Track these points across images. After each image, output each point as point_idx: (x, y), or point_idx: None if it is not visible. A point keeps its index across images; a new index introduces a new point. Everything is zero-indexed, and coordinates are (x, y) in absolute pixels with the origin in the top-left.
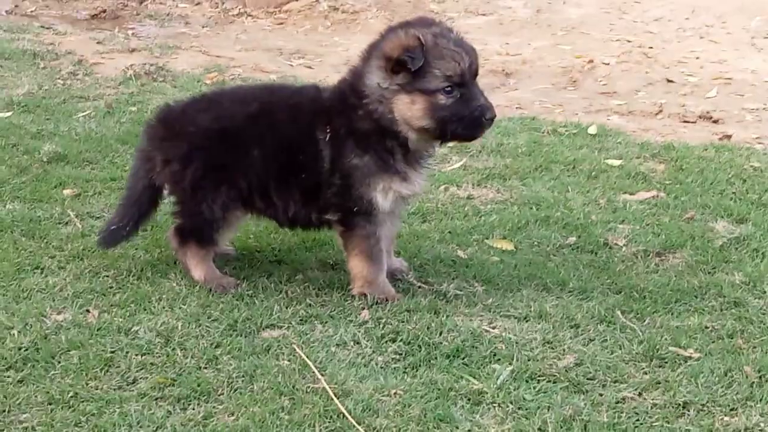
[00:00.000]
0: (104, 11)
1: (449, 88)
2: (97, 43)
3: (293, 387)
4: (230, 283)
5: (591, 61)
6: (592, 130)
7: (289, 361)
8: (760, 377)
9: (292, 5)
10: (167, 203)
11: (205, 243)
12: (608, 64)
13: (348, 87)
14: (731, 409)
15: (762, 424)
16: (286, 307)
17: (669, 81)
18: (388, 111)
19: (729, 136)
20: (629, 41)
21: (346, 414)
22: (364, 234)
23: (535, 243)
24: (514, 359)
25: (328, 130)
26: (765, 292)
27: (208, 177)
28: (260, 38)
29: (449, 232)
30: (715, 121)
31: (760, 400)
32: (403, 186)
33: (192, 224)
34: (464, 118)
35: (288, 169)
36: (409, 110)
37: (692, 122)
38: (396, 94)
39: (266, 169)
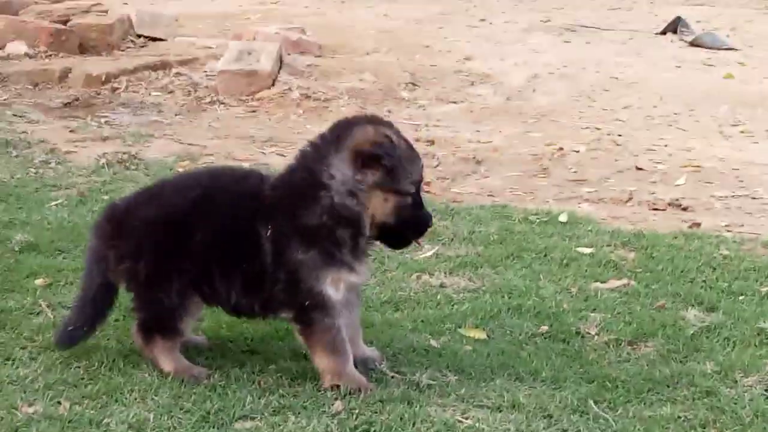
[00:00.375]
0: (77, 99)
1: (413, 191)
2: (70, 131)
3: None
4: (202, 373)
5: (561, 149)
6: (562, 218)
7: None
8: None
9: (264, 93)
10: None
11: (169, 334)
12: (578, 151)
13: (301, 179)
14: None
15: None
16: (259, 398)
17: (638, 169)
18: (357, 205)
19: (698, 224)
20: (599, 129)
21: None
22: (324, 328)
23: (508, 332)
24: None
25: (269, 228)
26: (736, 381)
27: (160, 267)
28: (233, 126)
29: (422, 321)
30: (685, 209)
31: None
32: (352, 275)
33: (153, 317)
34: (419, 222)
35: (229, 257)
36: (381, 207)
37: (662, 210)
38: (372, 190)
39: (208, 256)
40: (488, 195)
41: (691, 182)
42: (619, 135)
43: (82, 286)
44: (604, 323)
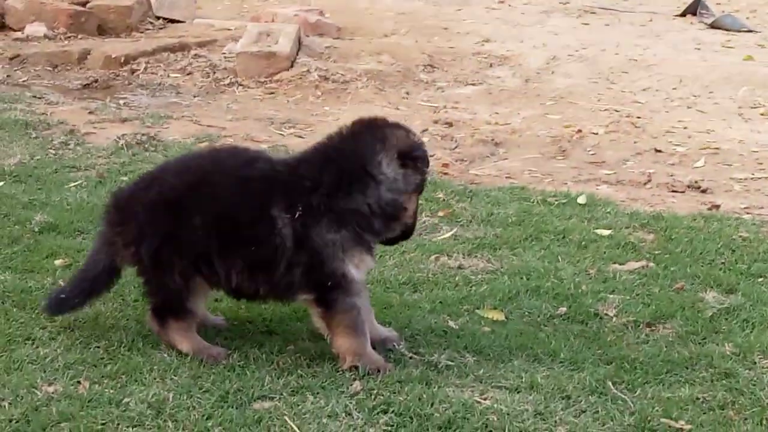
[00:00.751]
0: (96, 81)
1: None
2: (89, 113)
3: None
4: (220, 353)
5: (580, 131)
6: (581, 199)
7: None
8: None
9: (283, 75)
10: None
11: (181, 315)
12: (597, 133)
13: (346, 167)
14: None
15: None
16: (278, 378)
17: (657, 151)
18: (399, 203)
19: (717, 206)
20: (617, 111)
21: None
22: (345, 308)
23: (526, 313)
24: (506, 431)
25: (299, 209)
26: (755, 363)
27: (160, 251)
28: (251, 108)
29: (440, 302)
30: (704, 191)
31: None
32: (371, 259)
33: (163, 300)
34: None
35: (231, 240)
36: (411, 208)
37: (681, 192)
38: (412, 192)
39: (208, 239)
40: (506, 177)
41: (710, 164)
42: (638, 117)
43: (86, 262)
44: (622, 305)
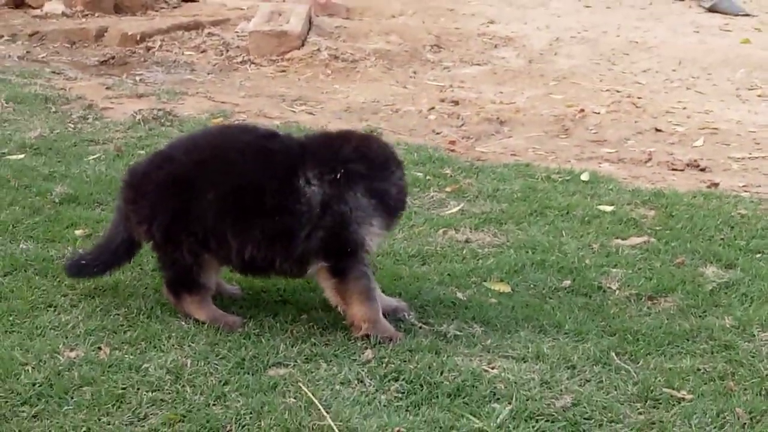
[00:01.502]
0: (113, 58)
1: None
2: (107, 88)
3: (299, 424)
4: (236, 322)
5: (582, 111)
6: (584, 176)
7: (295, 398)
8: (751, 419)
9: (294, 54)
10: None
11: (195, 289)
12: (599, 113)
13: (376, 150)
14: None
15: None
16: (292, 346)
17: (657, 130)
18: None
19: (716, 184)
20: (618, 91)
21: None
22: (359, 275)
23: (532, 286)
24: (513, 399)
25: (340, 171)
26: (754, 335)
27: (172, 227)
28: (263, 85)
29: (448, 275)
30: (703, 170)
31: None
32: (383, 236)
33: (176, 275)
34: None
35: (251, 212)
36: None
37: (680, 170)
38: None
39: (221, 214)
40: (511, 154)
41: (709, 144)
42: (639, 97)
43: (107, 233)
44: (625, 278)
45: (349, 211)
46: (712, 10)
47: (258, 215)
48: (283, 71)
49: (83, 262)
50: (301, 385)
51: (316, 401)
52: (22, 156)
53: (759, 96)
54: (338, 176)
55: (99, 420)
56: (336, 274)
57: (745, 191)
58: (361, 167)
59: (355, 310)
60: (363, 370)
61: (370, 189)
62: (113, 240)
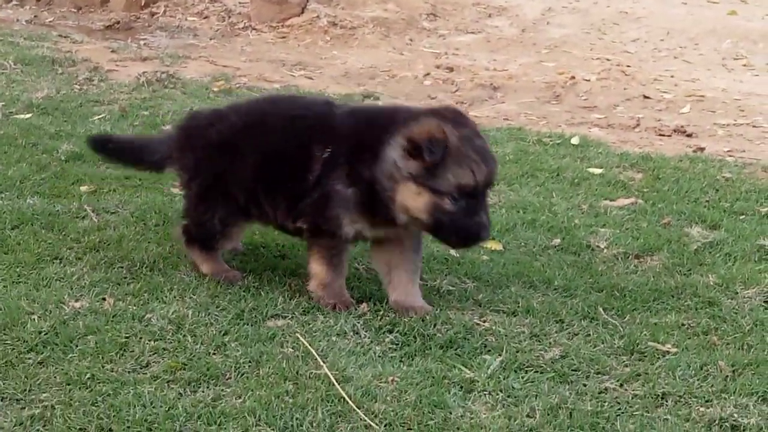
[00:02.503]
0: (118, 23)
1: (457, 196)
2: (112, 51)
3: (297, 372)
4: (236, 276)
5: (573, 78)
6: (574, 140)
7: (292, 348)
8: (734, 371)
9: (294, 20)
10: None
11: (208, 247)
12: (589, 80)
13: (366, 140)
14: (707, 401)
15: (735, 415)
16: (290, 299)
17: (645, 97)
18: (390, 190)
19: (702, 149)
20: (608, 60)
21: (347, 398)
22: (327, 245)
23: (523, 244)
24: (504, 351)
25: (328, 150)
26: (737, 293)
27: (211, 190)
28: (264, 50)
29: None
30: (689, 135)
31: (734, 392)
32: (369, 230)
33: (196, 231)
34: (460, 229)
35: (279, 177)
36: (413, 200)
37: (667, 135)
38: (405, 181)
39: (259, 177)
40: (504, 119)
41: (696, 111)
42: (628, 66)
43: (144, 139)
44: (612, 238)
45: (332, 193)
46: None
47: (284, 181)
48: (284, 37)
49: (110, 144)
50: (298, 335)
51: (312, 351)
52: (29, 115)
53: (744, 65)
54: (323, 154)
55: (103, 367)
56: (311, 233)
57: (730, 156)
58: (349, 152)
59: (312, 266)
60: (359, 323)
61: (353, 177)
62: (147, 150)
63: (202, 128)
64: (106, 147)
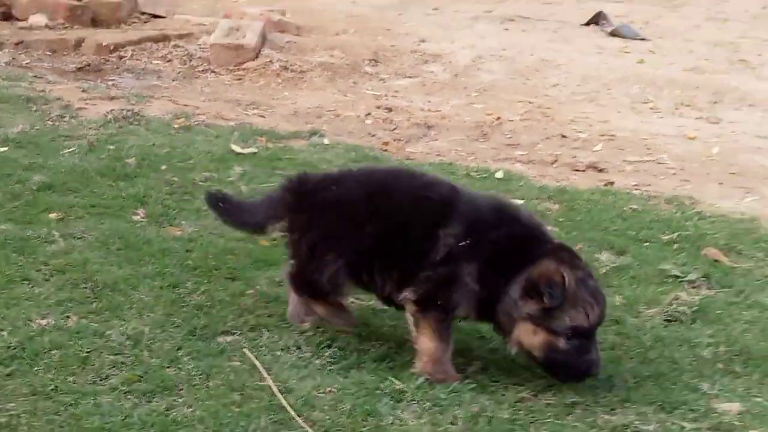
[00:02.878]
0: (89, 65)
1: (571, 336)
2: (82, 91)
3: (243, 384)
4: (349, 320)
5: (499, 118)
6: (499, 174)
7: (240, 362)
8: (636, 383)
9: (249, 64)
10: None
11: (319, 298)
12: (513, 120)
13: (499, 262)
14: (611, 409)
15: (636, 422)
16: (239, 317)
17: (563, 136)
18: (507, 322)
19: (612, 183)
20: (531, 102)
21: (288, 407)
22: (437, 317)
23: None
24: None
25: (467, 241)
26: (640, 312)
27: (322, 249)
28: (222, 91)
29: None
30: (601, 170)
31: (635, 402)
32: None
33: (305, 287)
34: (572, 367)
35: (399, 250)
36: (528, 338)
37: (582, 171)
38: (523, 320)
39: (378, 246)
40: (437, 155)
41: (607, 149)
42: (548, 108)
43: (247, 204)
44: None
45: (459, 273)
46: (613, 34)
47: (405, 255)
48: (240, 79)
49: (222, 205)
50: (245, 350)
51: (258, 364)
52: (5, 149)
53: (651, 108)
54: (464, 243)
55: (65, 379)
56: (418, 306)
57: (637, 189)
58: (487, 251)
59: (421, 341)
60: (301, 339)
61: (479, 274)
62: (248, 213)
63: (316, 190)
64: (218, 205)
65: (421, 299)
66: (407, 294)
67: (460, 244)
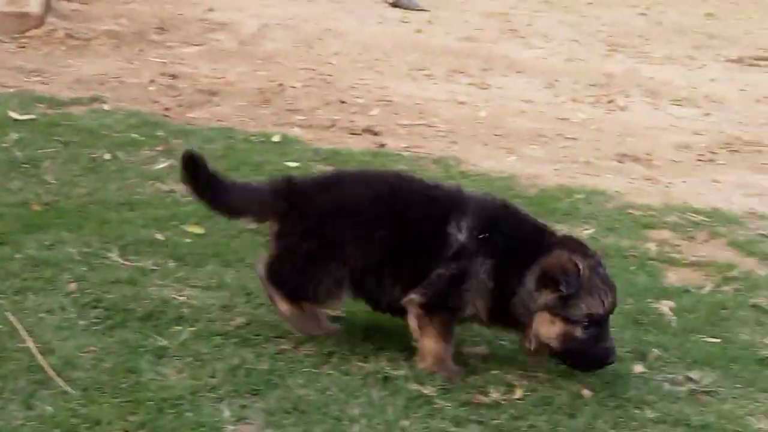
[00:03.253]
0: None
1: (588, 324)
2: None
3: (3, 347)
4: (332, 331)
5: (281, 85)
6: (276, 138)
7: (1, 326)
8: (391, 333)
9: (33, 32)
10: None
11: (296, 302)
12: (295, 87)
13: (514, 256)
14: (366, 357)
15: (387, 369)
16: (4, 281)
17: (342, 102)
18: (524, 315)
19: (384, 145)
20: (313, 70)
21: (47, 367)
22: (443, 320)
23: (223, 228)
24: (197, 321)
25: (485, 234)
26: None
27: (321, 256)
28: (4, 59)
29: (152, 219)
30: (376, 134)
31: (389, 349)
32: (482, 321)
33: (292, 290)
34: (589, 355)
35: (408, 253)
36: (546, 329)
37: (358, 134)
38: (540, 310)
39: (388, 249)
40: (218, 120)
41: (383, 113)
42: (329, 75)
43: (237, 186)
44: None
45: (470, 274)
46: (394, 5)
47: (416, 256)
48: (23, 47)
49: (199, 173)
50: (8, 314)
51: (19, 327)
52: None
53: (426, 75)
54: (481, 236)
55: None
56: (424, 309)
57: (407, 151)
58: (502, 241)
59: (426, 342)
60: (66, 300)
61: (494, 270)
62: (230, 195)
63: (312, 195)
64: (195, 171)
65: (428, 302)
66: (413, 296)
67: (479, 236)
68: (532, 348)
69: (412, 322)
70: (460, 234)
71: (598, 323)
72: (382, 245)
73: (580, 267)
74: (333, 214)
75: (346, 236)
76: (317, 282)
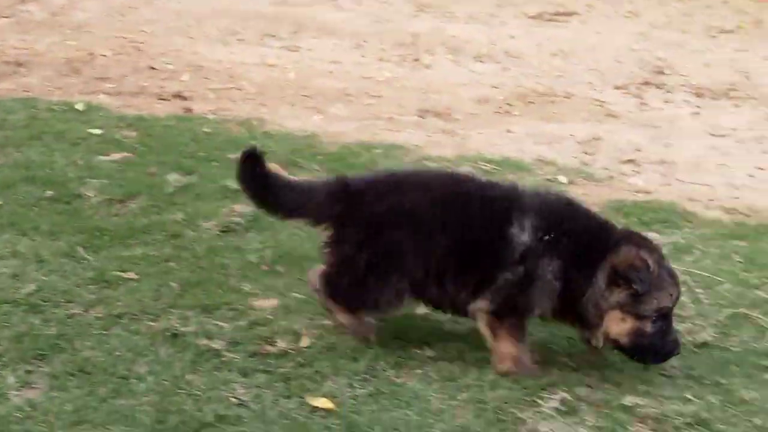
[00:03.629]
0: None
1: (656, 318)
2: None
3: None
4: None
5: (91, 54)
6: (79, 106)
7: None
8: (183, 290)
9: None
10: None
11: (354, 311)
12: (105, 56)
13: (582, 253)
14: (156, 316)
15: (177, 326)
16: None
17: (152, 68)
18: (595, 314)
19: (191, 110)
20: (125, 38)
21: None
22: (515, 323)
23: (21, 198)
24: None
25: (551, 235)
26: (199, 225)
27: (383, 266)
28: None
29: None
30: (185, 98)
31: (180, 307)
32: (548, 319)
33: (351, 301)
34: (657, 349)
35: (472, 258)
36: (616, 326)
37: (167, 99)
38: (612, 308)
39: (452, 254)
40: (24, 91)
41: (194, 78)
42: (141, 42)
43: (295, 185)
44: (101, 187)
45: (538, 275)
46: None
47: (474, 265)
48: None
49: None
50: None
51: None
52: None
53: (238, 40)
54: (546, 237)
55: None
56: (495, 314)
57: (213, 114)
58: (571, 243)
59: (502, 346)
60: None
61: (560, 270)
62: (301, 198)
63: (369, 201)
64: (254, 168)
65: (497, 308)
66: (481, 304)
67: (544, 238)
68: (600, 345)
69: (484, 329)
70: (524, 235)
71: (665, 316)
72: (444, 253)
73: (650, 263)
74: (392, 222)
75: (406, 245)
76: (378, 293)
